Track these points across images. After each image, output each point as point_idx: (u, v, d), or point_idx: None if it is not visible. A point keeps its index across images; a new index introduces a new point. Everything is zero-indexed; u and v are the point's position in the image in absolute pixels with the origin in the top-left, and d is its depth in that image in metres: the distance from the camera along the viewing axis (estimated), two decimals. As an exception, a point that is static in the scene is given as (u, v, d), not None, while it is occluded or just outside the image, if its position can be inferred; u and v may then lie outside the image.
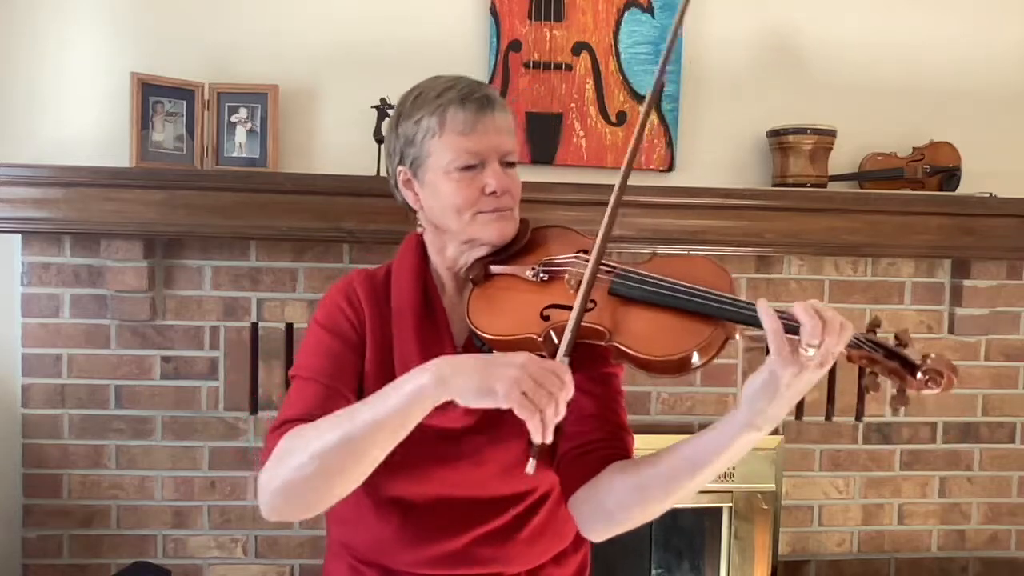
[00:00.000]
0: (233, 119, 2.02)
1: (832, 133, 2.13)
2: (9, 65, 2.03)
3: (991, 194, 2.10)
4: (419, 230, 1.26)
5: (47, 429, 2.03)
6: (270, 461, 1.04)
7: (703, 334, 1.01)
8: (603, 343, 1.06)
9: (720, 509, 2.21)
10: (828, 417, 2.23)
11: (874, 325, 0.97)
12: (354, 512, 1.23)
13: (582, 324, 1.04)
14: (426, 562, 1.20)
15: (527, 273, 1.16)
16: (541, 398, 0.91)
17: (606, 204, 1.09)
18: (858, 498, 2.27)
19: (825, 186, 2.15)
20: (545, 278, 1.15)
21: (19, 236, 1.98)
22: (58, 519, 2.04)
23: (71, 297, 2.01)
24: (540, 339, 1.09)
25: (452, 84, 1.16)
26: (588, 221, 1.95)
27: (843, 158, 2.21)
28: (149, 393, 2.04)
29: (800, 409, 2.21)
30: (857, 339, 0.94)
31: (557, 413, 0.92)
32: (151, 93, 1.97)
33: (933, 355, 0.92)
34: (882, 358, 0.94)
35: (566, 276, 1.13)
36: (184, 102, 2.00)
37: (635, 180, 2.08)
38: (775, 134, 2.15)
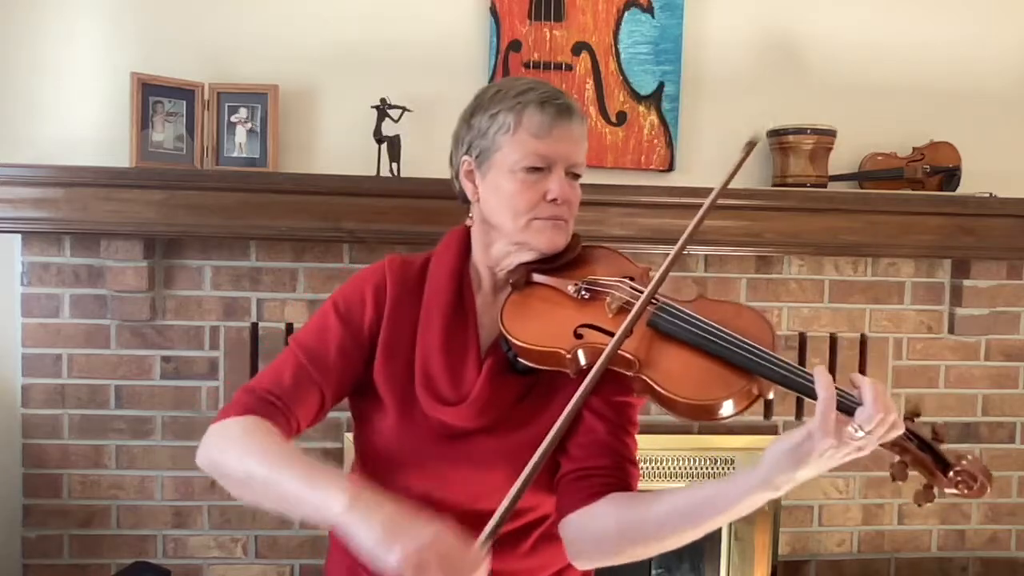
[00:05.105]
0: (233, 119, 2.02)
1: (832, 133, 2.13)
2: (9, 65, 2.03)
3: (991, 194, 2.10)
4: (467, 222, 1.24)
5: (47, 429, 2.03)
6: (222, 429, 1.08)
7: (736, 386, 0.97)
8: (630, 373, 1.02)
9: (720, 509, 2.21)
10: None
11: (913, 413, 0.95)
12: None
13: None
14: None
15: (569, 288, 1.13)
16: None
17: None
18: (858, 498, 2.26)
19: (825, 186, 2.14)
20: (586, 296, 1.12)
21: (19, 236, 1.98)
22: (58, 519, 2.04)
23: (71, 297, 2.01)
24: (568, 356, 1.06)
25: (534, 86, 1.16)
26: (588, 221, 1.97)
27: (843, 158, 2.21)
28: (149, 393, 2.04)
29: (800, 408, 2.21)
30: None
31: None
32: (151, 93, 1.97)
33: (970, 457, 0.90)
34: (915, 448, 0.92)
35: (608, 299, 1.10)
36: (184, 102, 2.00)
37: (635, 180, 2.12)
38: (775, 134, 2.15)
